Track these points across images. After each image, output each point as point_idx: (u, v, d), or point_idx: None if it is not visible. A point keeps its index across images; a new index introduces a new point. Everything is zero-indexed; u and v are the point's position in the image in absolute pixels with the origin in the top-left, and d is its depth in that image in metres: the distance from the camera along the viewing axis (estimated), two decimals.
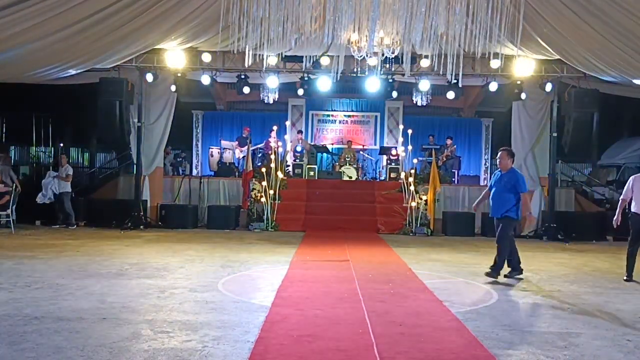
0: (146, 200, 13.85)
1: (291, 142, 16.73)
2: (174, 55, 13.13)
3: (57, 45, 10.75)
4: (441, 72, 9.40)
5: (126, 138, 13.60)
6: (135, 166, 13.92)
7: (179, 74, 13.88)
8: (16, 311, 5.18)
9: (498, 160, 7.70)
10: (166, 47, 12.99)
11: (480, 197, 8.21)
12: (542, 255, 10.32)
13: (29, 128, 19.44)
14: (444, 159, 16.32)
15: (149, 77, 13.52)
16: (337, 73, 9.69)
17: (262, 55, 10.32)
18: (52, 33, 10.13)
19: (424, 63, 13.05)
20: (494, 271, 7.34)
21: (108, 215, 13.21)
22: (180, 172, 16.86)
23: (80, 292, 6.08)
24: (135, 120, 13.73)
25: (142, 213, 13.37)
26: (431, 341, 4.52)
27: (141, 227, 13.05)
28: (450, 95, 14.40)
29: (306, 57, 11.73)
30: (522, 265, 7.66)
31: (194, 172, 17.93)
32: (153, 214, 13.94)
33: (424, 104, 15.85)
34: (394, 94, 14.81)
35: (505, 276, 7.44)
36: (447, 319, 5.27)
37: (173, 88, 14.08)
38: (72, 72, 12.88)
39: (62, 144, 19.60)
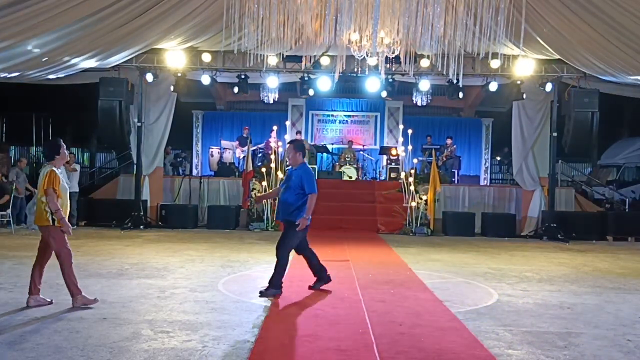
0: (146, 200, 13.85)
1: None
2: (174, 55, 13.13)
3: (56, 44, 10.75)
4: (443, 72, 9.40)
5: (126, 138, 13.59)
6: (135, 166, 13.92)
7: (179, 74, 13.88)
8: (17, 312, 5.18)
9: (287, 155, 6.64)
10: (166, 47, 12.98)
11: (268, 192, 7.31)
12: (542, 255, 10.32)
13: (29, 128, 19.44)
14: (444, 158, 16.31)
15: (149, 77, 13.52)
16: (336, 72, 9.69)
17: (263, 55, 10.33)
18: (52, 33, 10.13)
19: (424, 63, 13.05)
20: (269, 290, 6.06)
21: (108, 215, 13.21)
22: (181, 172, 16.86)
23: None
24: (136, 120, 13.72)
25: (142, 213, 13.36)
26: (431, 341, 4.52)
27: (141, 227, 13.05)
28: (454, 95, 14.43)
29: (306, 57, 11.74)
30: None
31: (194, 172, 17.93)
32: (153, 214, 13.94)
33: (424, 104, 15.85)
34: (384, 93, 14.74)
35: (309, 287, 6.41)
36: (447, 319, 5.27)
37: (173, 88, 14.08)
38: (73, 71, 12.87)
39: None
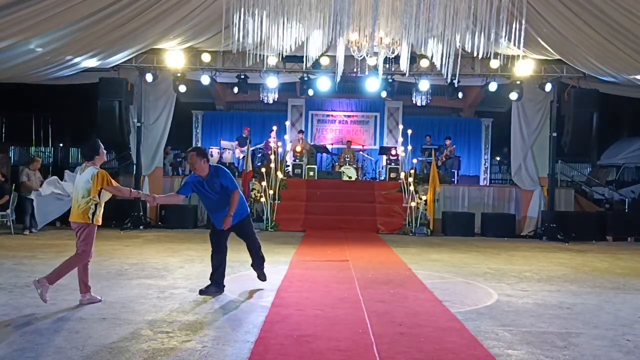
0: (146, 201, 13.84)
1: (291, 142, 16.72)
2: (174, 55, 13.14)
3: (56, 44, 10.76)
4: (442, 72, 9.40)
5: (126, 138, 13.61)
6: (135, 166, 13.92)
7: (179, 74, 13.88)
8: (16, 311, 5.19)
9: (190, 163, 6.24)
10: (166, 47, 12.99)
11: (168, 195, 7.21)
12: (541, 255, 10.33)
13: (29, 128, 19.44)
14: (444, 159, 16.32)
15: (149, 77, 13.54)
16: (337, 74, 9.69)
17: (262, 55, 10.32)
18: (51, 33, 10.14)
19: (424, 63, 13.06)
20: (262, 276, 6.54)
21: (107, 216, 12.85)
22: (180, 172, 16.86)
23: None
24: (135, 120, 13.73)
25: (141, 213, 13.37)
26: (431, 341, 4.52)
27: (141, 227, 13.05)
28: (454, 95, 14.46)
29: (306, 57, 11.73)
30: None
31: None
32: (153, 214, 13.94)
33: (424, 104, 15.86)
34: (384, 93, 14.75)
35: (200, 291, 6.16)
36: (447, 319, 5.27)
37: (173, 88, 14.08)
38: (72, 71, 12.88)
39: (62, 144, 19.59)
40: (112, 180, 5.73)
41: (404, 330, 4.83)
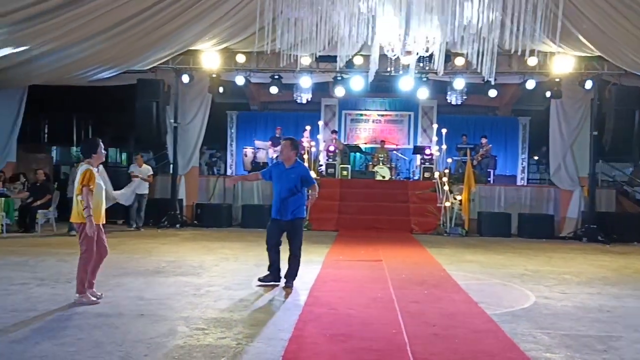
0: (182, 200, 14.09)
1: (324, 141, 16.74)
2: (209, 57, 13.33)
3: (97, 47, 11.04)
4: (478, 70, 9.27)
5: (163, 138, 13.86)
6: (171, 166, 14.16)
7: (214, 75, 14.07)
8: (57, 306, 5.34)
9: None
10: (202, 48, 13.19)
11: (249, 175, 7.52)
12: (581, 257, 10.09)
13: (70, 129, 19.97)
14: (479, 158, 16.08)
15: (185, 78, 13.76)
16: (370, 73, 9.67)
17: (296, 55, 10.38)
18: (92, 36, 10.41)
19: (459, 61, 12.91)
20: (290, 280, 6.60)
21: (145, 214, 13.45)
22: (215, 171, 17.07)
23: (119, 288, 6.23)
24: (172, 120, 13.98)
25: (178, 212, 13.60)
26: (466, 343, 4.47)
27: (177, 225, 13.28)
28: (492, 93, 14.26)
29: (339, 56, 11.74)
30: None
31: (229, 171, 18.13)
32: (189, 213, 14.16)
33: (459, 103, 15.66)
34: (426, 92, 14.63)
35: (259, 279, 6.66)
36: (483, 321, 5.21)
37: (208, 89, 14.29)
38: (111, 73, 13.20)
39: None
40: (93, 184, 5.51)
41: (438, 331, 4.79)
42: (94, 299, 5.54)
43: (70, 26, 9.66)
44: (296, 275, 6.70)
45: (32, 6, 8.58)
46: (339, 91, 14.77)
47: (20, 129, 14.92)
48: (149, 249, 9.61)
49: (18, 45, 10.11)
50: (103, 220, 5.78)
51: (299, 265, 6.71)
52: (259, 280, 6.69)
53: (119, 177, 13.85)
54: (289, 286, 6.55)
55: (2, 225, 11.08)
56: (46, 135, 20.60)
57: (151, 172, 12.99)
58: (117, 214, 13.76)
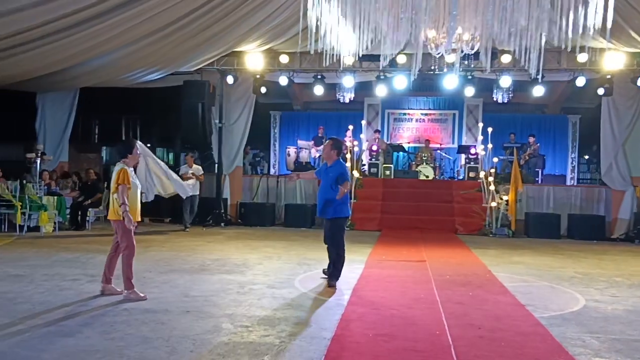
0: (226, 199, 14.31)
1: (367, 141, 16.69)
2: (253, 57, 13.49)
3: (144, 50, 11.33)
4: (525, 67, 9.05)
5: (208, 138, 14.10)
6: (216, 165, 14.40)
7: (258, 76, 14.23)
8: (107, 302, 5.51)
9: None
10: (246, 49, 13.36)
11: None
12: (633, 259, 9.72)
13: (119, 129, 20.52)
14: (527, 157, 15.71)
15: (230, 79, 13.98)
16: (413, 71, 9.57)
17: (339, 55, 10.37)
18: (139, 39, 10.69)
19: (505, 59, 12.65)
20: (332, 280, 6.66)
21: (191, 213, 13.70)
22: (259, 171, 17.25)
23: (166, 285, 6.38)
24: (217, 121, 14.22)
25: (222, 211, 13.82)
26: (512, 346, 4.38)
27: (222, 224, 13.49)
28: (538, 91, 13.91)
29: (382, 55, 11.67)
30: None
31: (272, 171, 18.29)
32: (233, 212, 14.37)
33: (505, 101, 15.33)
34: (472, 90, 14.43)
35: (323, 271, 7.01)
36: (530, 324, 5.09)
37: (252, 89, 14.46)
38: (158, 75, 13.54)
39: (149, 145, 20.55)
40: (129, 183, 5.71)
41: (483, 333, 4.70)
42: (142, 295, 5.70)
43: (118, 30, 9.94)
44: (338, 274, 6.70)
45: (80, 11, 8.86)
46: (382, 90, 14.71)
47: (72, 130, 15.49)
48: (194, 246, 9.80)
49: (69, 49, 10.48)
50: (138, 218, 5.98)
51: (339, 265, 6.70)
52: (323, 271, 7.07)
53: None
54: (330, 285, 6.57)
55: (54, 223, 11.49)
56: (97, 136, 21.23)
57: (202, 172, 12.92)
58: (164, 213, 14.11)
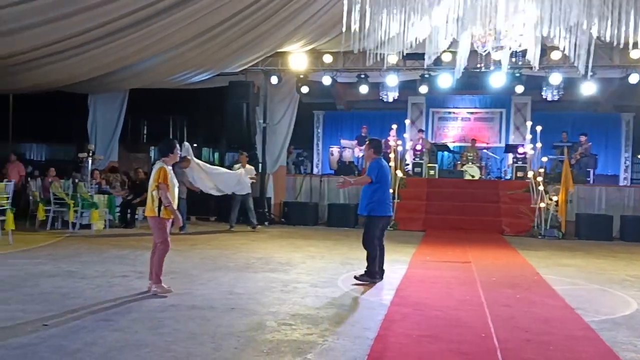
0: (270, 198, 14.45)
1: (411, 140, 16.54)
2: (297, 58, 13.58)
3: (191, 52, 11.56)
4: (575, 64, 8.78)
5: (252, 138, 14.28)
6: (260, 165, 14.56)
7: (301, 76, 14.31)
8: (155, 298, 5.65)
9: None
10: (290, 49, 13.46)
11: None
12: None
13: (167, 130, 21.02)
14: (578, 157, 15.24)
15: (274, 80, 14.12)
16: (458, 70, 9.43)
17: (383, 54, 10.31)
18: (186, 41, 10.91)
19: (555, 55, 12.31)
20: (364, 277, 6.74)
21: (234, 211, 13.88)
22: (302, 170, 17.34)
23: (211, 282, 6.49)
24: (261, 121, 14.38)
25: (266, 210, 13.95)
26: (561, 350, 4.26)
27: (266, 223, 13.61)
28: (588, 89, 13.48)
29: (427, 54, 11.54)
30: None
31: (315, 170, 18.35)
32: (276, 211, 14.49)
33: (555, 99, 14.92)
34: (521, 88, 14.12)
35: (355, 277, 6.82)
36: (579, 328, 4.94)
37: (296, 89, 14.55)
38: (204, 76, 13.79)
39: (195, 144, 20.97)
40: (168, 182, 5.86)
41: (530, 337, 4.59)
42: (167, 287, 5.86)
43: (166, 32, 10.17)
44: (369, 271, 6.74)
45: (130, 14, 9.12)
46: (426, 89, 14.56)
47: (122, 130, 15.95)
48: (239, 245, 9.93)
49: (119, 52, 10.79)
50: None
51: (370, 262, 6.77)
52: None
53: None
54: (357, 277, 6.76)
55: (105, 220, 11.84)
56: (145, 136, 21.80)
57: (254, 172, 12.78)
58: (210, 211, 14.35)
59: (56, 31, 9.22)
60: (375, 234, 6.83)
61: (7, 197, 9.30)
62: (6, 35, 9.07)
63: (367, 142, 7.13)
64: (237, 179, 12.28)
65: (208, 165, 12.56)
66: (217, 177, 12.21)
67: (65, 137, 19.82)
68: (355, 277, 6.78)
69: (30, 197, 12.00)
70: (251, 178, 12.47)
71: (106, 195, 12.14)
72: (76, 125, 16.60)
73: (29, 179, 13.34)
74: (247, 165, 12.70)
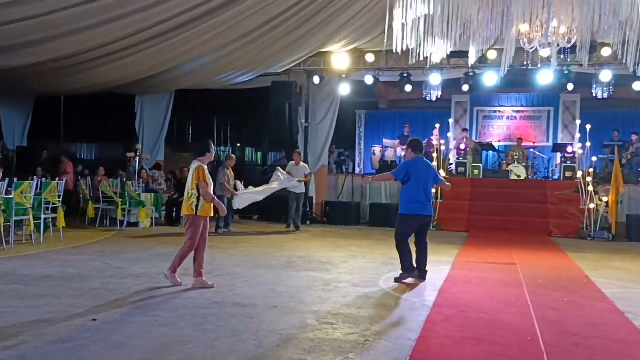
0: (312, 197, 14.50)
1: (454, 139, 16.31)
2: (339, 57, 13.59)
3: (235, 53, 11.73)
4: (624, 61, 8.48)
5: (294, 138, 14.36)
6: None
7: (344, 75, 14.30)
8: (199, 295, 5.75)
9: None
10: (332, 49, 13.48)
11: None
12: None
13: (211, 130, 21.35)
14: (629, 156, 14.70)
15: (316, 80, 14.18)
16: (504, 67, 9.23)
17: (426, 52, 10.20)
18: (230, 43, 11.07)
19: (605, 52, 11.93)
20: (402, 275, 6.74)
21: (278, 210, 13.97)
22: (344, 170, 17.33)
23: (254, 280, 6.57)
24: (303, 120, 14.46)
25: (308, 209, 14.01)
26: (609, 354, 4.13)
27: (307, 222, 13.67)
28: (638, 86, 13.01)
29: (472, 51, 11.36)
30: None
31: (357, 170, 18.31)
32: (318, 210, 14.53)
33: (605, 97, 14.44)
34: (570, 86, 13.76)
35: (395, 280, 6.78)
36: (629, 332, 4.77)
37: (342, 89, 14.56)
38: (248, 77, 13.97)
39: (239, 144, 21.25)
40: (206, 179, 6.07)
41: (579, 341, 4.47)
42: (179, 280, 6.10)
43: (210, 34, 10.36)
44: (403, 268, 6.76)
45: (178, 16, 9.32)
46: (471, 87, 14.33)
47: (168, 130, 16.31)
48: (281, 243, 10.01)
49: (166, 53, 11.04)
50: (211, 213, 6.27)
51: (401, 258, 6.78)
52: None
53: (253, 176, 14.55)
54: (396, 279, 6.77)
55: (152, 218, 12.14)
56: (190, 136, 22.22)
57: (308, 171, 12.39)
58: (253, 210, 14.51)
59: (108, 33, 9.51)
60: (403, 231, 6.80)
61: (59, 196, 9.64)
62: (59, 39, 9.41)
63: (407, 143, 7.12)
64: (286, 183, 11.76)
65: (254, 189, 11.75)
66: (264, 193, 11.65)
67: (114, 137, 20.40)
68: (395, 279, 6.75)
69: (81, 196, 12.42)
70: (305, 176, 12.05)
71: (153, 194, 12.43)
72: (124, 125, 17.07)
73: (79, 177, 13.80)
74: (301, 163, 12.29)
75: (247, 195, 11.33)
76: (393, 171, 7.07)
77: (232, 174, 11.36)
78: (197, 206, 6.06)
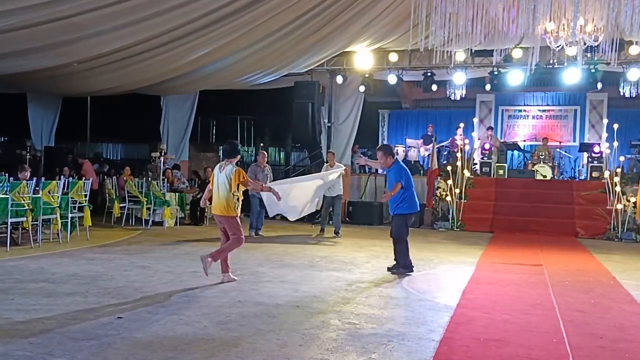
0: None
1: (479, 139, 16.16)
2: (362, 57, 13.56)
3: (258, 53, 11.79)
4: None
5: (317, 137, 14.39)
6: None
7: (367, 75, 14.27)
8: (223, 294, 5.80)
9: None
10: (355, 49, 13.47)
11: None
12: None
13: (235, 130, 21.51)
14: None
15: (339, 79, 14.18)
16: (531, 65, 9.13)
17: (450, 51, 10.13)
18: (255, 42, 11.13)
19: (634, 50, 11.69)
20: (398, 268, 7.23)
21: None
22: (367, 170, 17.29)
23: (277, 280, 6.59)
24: (326, 120, 14.48)
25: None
26: (637, 357, 4.05)
27: (330, 222, 13.65)
28: None
29: (496, 50, 11.26)
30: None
31: (380, 170, 18.24)
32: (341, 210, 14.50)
33: (633, 95, 14.16)
34: (598, 85, 13.53)
35: (388, 268, 7.32)
36: None
37: (361, 89, 14.53)
38: (271, 77, 14.04)
39: (262, 144, 21.36)
40: (246, 177, 6.41)
41: (605, 344, 4.39)
42: (209, 270, 6.23)
43: (234, 35, 10.43)
44: (401, 266, 7.18)
45: (203, 17, 9.41)
46: (496, 86, 14.17)
47: (192, 130, 16.47)
48: (303, 243, 10.03)
49: (190, 55, 11.16)
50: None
51: (402, 257, 7.21)
52: (387, 269, 7.40)
53: (276, 176, 14.55)
54: (391, 270, 7.22)
55: (176, 218, 12.26)
56: (214, 136, 22.40)
57: (342, 169, 11.25)
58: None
59: (133, 35, 9.65)
60: (407, 230, 7.46)
61: (85, 195, 9.80)
62: (84, 40, 9.57)
63: (379, 151, 7.42)
64: (323, 186, 10.75)
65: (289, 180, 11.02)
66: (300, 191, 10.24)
67: (139, 137, 20.68)
68: (391, 271, 7.20)
69: (107, 195, 12.62)
70: (342, 176, 11.09)
71: (177, 194, 12.56)
72: (149, 125, 17.29)
73: (105, 177, 14.02)
74: (336, 164, 11.53)
75: (295, 198, 9.92)
76: (399, 181, 7.19)
77: (269, 170, 10.88)
78: (237, 207, 6.31)
